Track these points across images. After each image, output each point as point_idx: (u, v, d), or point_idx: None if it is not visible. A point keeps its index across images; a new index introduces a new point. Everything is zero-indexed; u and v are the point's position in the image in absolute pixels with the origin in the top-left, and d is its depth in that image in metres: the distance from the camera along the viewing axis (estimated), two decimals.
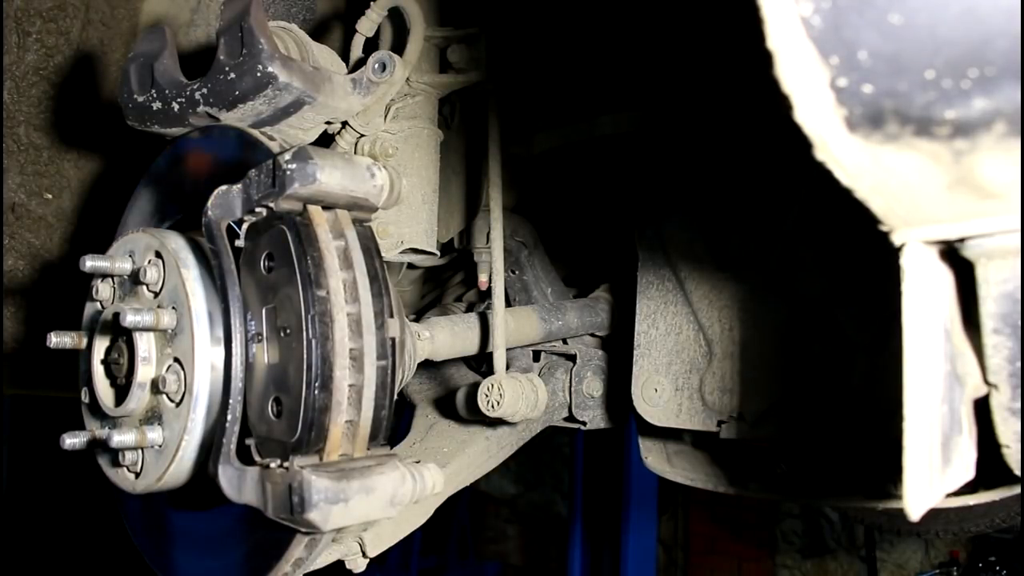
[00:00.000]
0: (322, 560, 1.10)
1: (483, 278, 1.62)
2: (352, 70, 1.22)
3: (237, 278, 0.91)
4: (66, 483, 5.50)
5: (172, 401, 0.96)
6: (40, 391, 2.08)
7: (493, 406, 1.33)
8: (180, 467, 0.95)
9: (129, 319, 0.92)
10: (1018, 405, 0.65)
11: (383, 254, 1.01)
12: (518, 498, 7.08)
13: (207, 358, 0.94)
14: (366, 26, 1.26)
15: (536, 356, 1.73)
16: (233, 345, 0.89)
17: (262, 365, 0.88)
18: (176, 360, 0.96)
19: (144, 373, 0.97)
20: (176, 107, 1.08)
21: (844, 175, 0.57)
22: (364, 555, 1.25)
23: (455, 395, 1.51)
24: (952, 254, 0.64)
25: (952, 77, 0.48)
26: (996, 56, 0.46)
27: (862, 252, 1.23)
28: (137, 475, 1.00)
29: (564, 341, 1.66)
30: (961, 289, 0.68)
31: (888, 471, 1.41)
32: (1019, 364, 0.64)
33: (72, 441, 1.02)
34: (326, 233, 0.88)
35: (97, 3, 1.53)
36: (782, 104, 0.54)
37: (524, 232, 1.72)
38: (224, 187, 0.93)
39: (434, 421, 1.63)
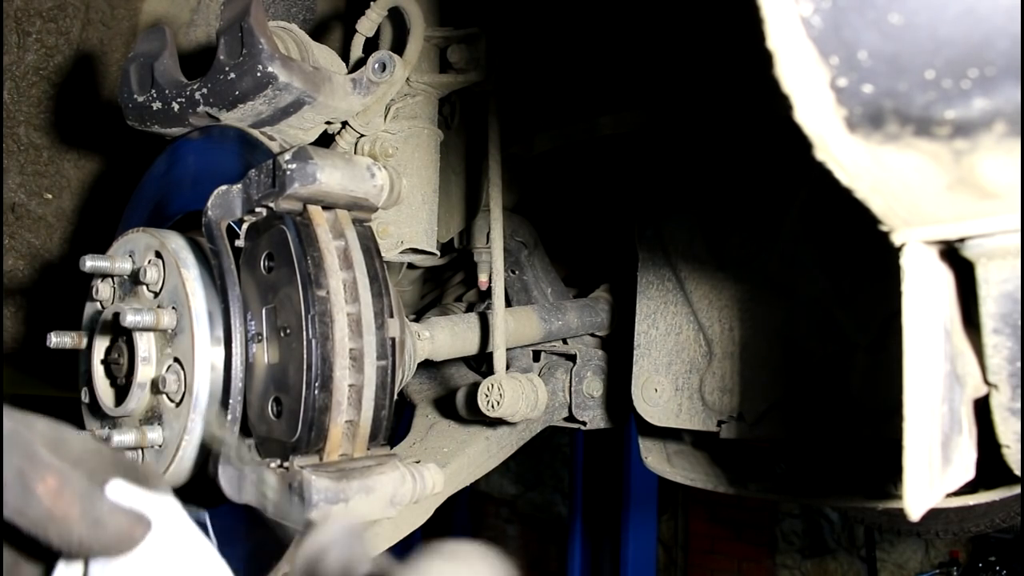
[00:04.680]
0: None
1: (483, 278, 1.62)
2: (352, 70, 1.22)
3: (237, 278, 0.91)
4: None
5: (172, 401, 0.96)
6: (40, 391, 2.08)
7: (493, 406, 1.32)
8: (180, 467, 0.95)
9: (129, 319, 0.92)
10: (1018, 405, 0.65)
11: (383, 254, 1.01)
12: (518, 498, 7.07)
13: (207, 358, 0.94)
14: (366, 26, 1.26)
15: (536, 356, 1.73)
16: (233, 345, 0.89)
17: (262, 365, 0.88)
18: (176, 360, 0.96)
19: (144, 373, 0.97)
20: (176, 107, 1.08)
21: (844, 175, 0.57)
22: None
23: (455, 395, 1.51)
24: (952, 254, 0.64)
25: (952, 77, 0.48)
26: (996, 56, 0.46)
27: (862, 252, 1.23)
28: None
29: (564, 341, 1.66)
30: (961, 289, 0.68)
31: (888, 471, 1.41)
32: (1019, 364, 0.64)
33: None
34: (326, 233, 0.88)
35: (97, 3, 1.53)
36: (782, 104, 0.54)
37: (524, 232, 1.72)
38: (224, 187, 0.93)
39: (434, 421, 1.63)
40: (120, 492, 0.59)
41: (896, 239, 0.63)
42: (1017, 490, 1.36)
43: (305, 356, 0.83)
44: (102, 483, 0.60)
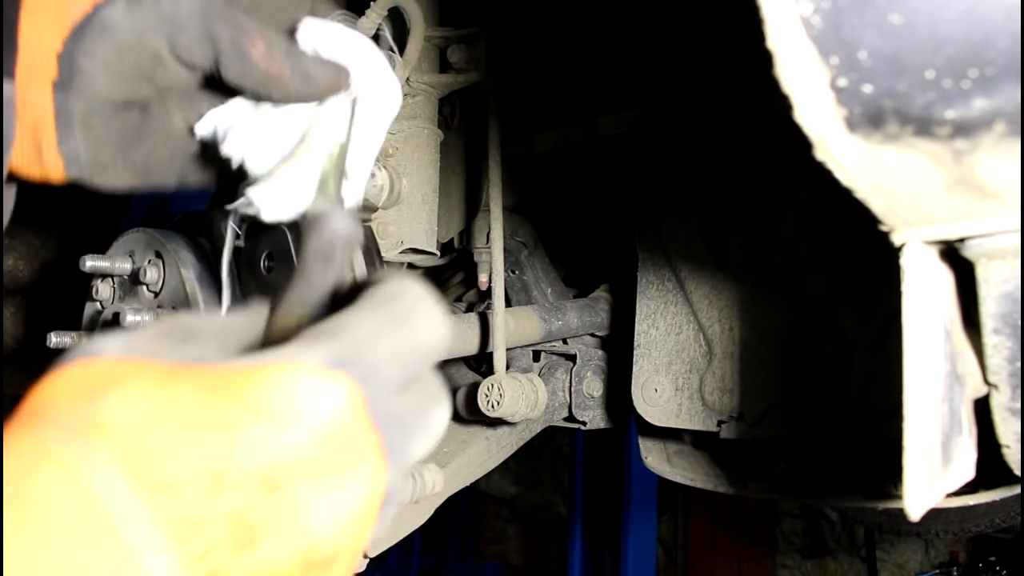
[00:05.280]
0: None
1: (483, 278, 1.61)
2: None
3: (237, 279, 0.91)
4: None
5: None
6: None
7: (493, 406, 1.32)
8: None
9: (129, 319, 0.92)
10: (1018, 405, 0.66)
11: (383, 254, 1.01)
12: (518, 498, 7.08)
13: None
14: (366, 26, 1.26)
15: (536, 356, 1.73)
16: None
17: None
18: None
19: None
20: None
21: (844, 175, 0.57)
22: (364, 555, 1.25)
23: (455, 395, 1.51)
24: (952, 254, 0.64)
25: (952, 77, 0.48)
26: (996, 56, 0.46)
27: (862, 252, 1.23)
28: None
29: (564, 341, 1.66)
30: (961, 289, 0.68)
31: (888, 471, 1.41)
32: (1019, 364, 0.64)
33: None
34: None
35: None
36: (782, 104, 0.54)
37: (524, 232, 1.72)
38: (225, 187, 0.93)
39: None
40: (316, 33, 0.66)
41: (896, 239, 0.63)
42: (1017, 490, 1.35)
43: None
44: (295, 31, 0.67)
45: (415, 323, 0.44)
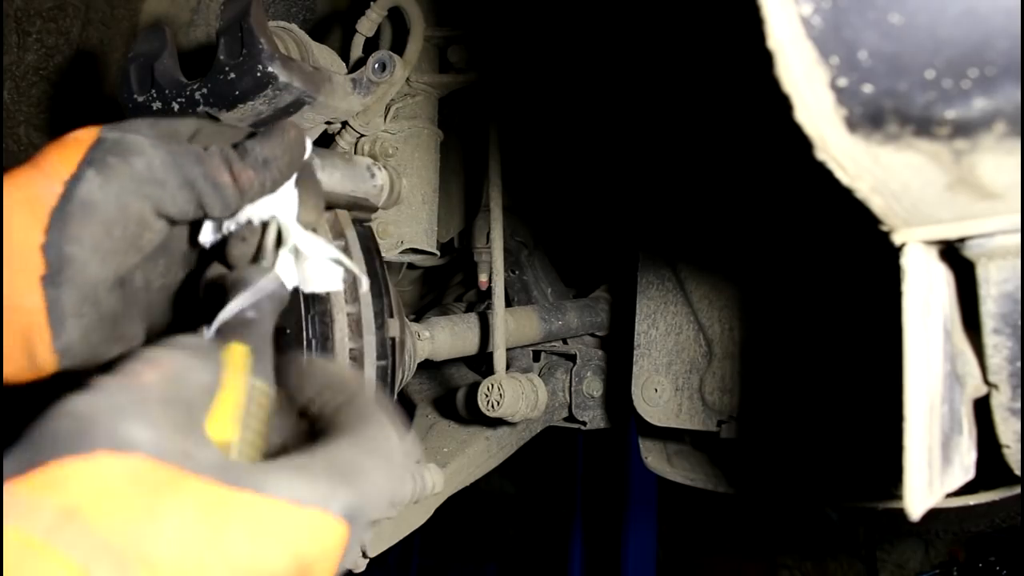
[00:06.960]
0: None
1: (483, 278, 1.61)
2: (352, 70, 1.22)
3: None
4: None
5: None
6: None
7: (493, 406, 1.32)
8: None
9: None
10: (1018, 405, 0.65)
11: (383, 254, 1.01)
12: (518, 498, 7.08)
13: None
14: (366, 26, 1.26)
15: (536, 356, 1.73)
16: None
17: None
18: None
19: None
20: (176, 107, 1.08)
21: (844, 175, 0.57)
22: (364, 555, 1.25)
23: (455, 395, 1.51)
24: (952, 254, 0.64)
25: (952, 77, 0.48)
26: (996, 56, 0.46)
27: (862, 252, 1.23)
28: None
29: (564, 341, 1.66)
30: (961, 289, 0.68)
31: (888, 471, 1.41)
32: (1019, 364, 0.64)
33: None
34: (326, 233, 0.88)
35: (97, 3, 1.53)
36: (782, 104, 0.54)
37: (524, 232, 1.72)
38: None
39: (434, 421, 1.63)
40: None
41: (896, 239, 0.63)
42: (1017, 490, 1.35)
43: (305, 356, 0.83)
44: (244, 140, 0.68)
45: (395, 466, 0.55)
